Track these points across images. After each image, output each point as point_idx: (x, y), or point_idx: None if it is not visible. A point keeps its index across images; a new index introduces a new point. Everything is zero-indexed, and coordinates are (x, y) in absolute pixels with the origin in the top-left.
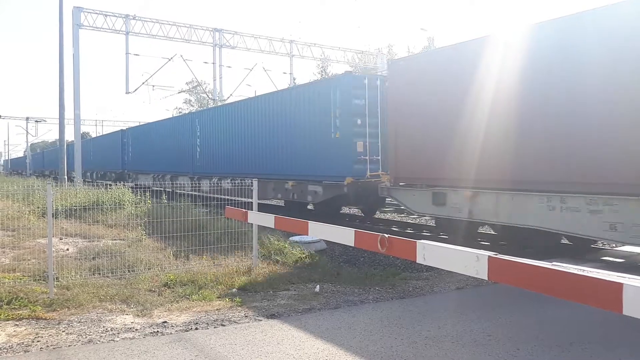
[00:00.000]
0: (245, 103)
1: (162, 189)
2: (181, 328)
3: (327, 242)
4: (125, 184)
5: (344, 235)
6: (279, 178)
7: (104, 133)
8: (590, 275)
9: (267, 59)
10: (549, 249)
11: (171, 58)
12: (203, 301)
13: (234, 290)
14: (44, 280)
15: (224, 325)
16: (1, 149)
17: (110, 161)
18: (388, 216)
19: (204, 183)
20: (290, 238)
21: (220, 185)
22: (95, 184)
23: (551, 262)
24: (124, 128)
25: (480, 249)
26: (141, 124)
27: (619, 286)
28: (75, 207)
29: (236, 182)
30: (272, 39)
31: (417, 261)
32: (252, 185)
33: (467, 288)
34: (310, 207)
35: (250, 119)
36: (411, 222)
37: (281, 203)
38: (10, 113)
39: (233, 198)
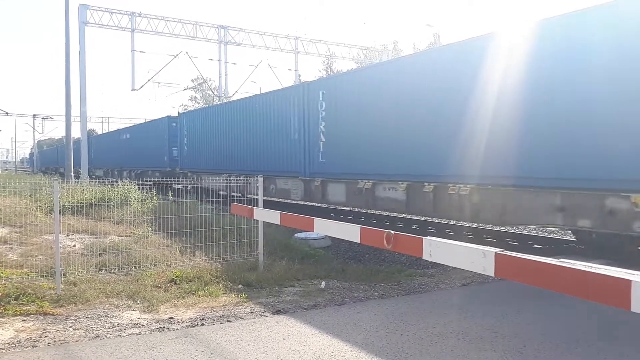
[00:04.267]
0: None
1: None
2: (187, 324)
3: (332, 238)
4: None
5: (350, 232)
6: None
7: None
8: (597, 272)
9: (272, 56)
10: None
11: (177, 55)
12: (209, 297)
13: (240, 286)
14: (51, 276)
15: (229, 321)
16: (8, 146)
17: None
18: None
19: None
20: (296, 234)
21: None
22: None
23: (558, 258)
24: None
25: (486, 245)
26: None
27: (627, 283)
28: (81, 204)
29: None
30: (278, 36)
31: (423, 257)
32: (257, 182)
33: (473, 285)
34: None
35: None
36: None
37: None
38: (17, 110)
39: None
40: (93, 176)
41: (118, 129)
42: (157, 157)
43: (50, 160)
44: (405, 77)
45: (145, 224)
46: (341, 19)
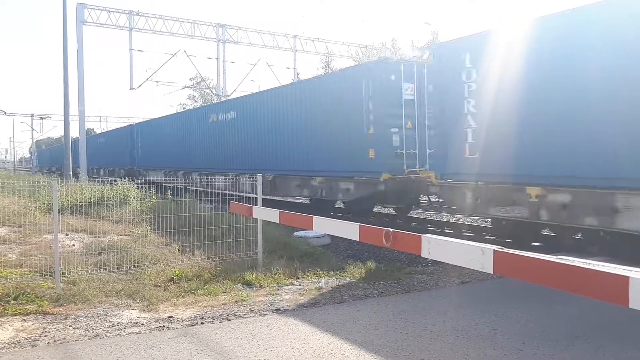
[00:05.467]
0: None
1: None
2: (187, 323)
3: (331, 236)
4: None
5: (349, 230)
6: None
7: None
8: (596, 268)
9: (270, 54)
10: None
11: (175, 54)
12: (209, 296)
13: (239, 285)
14: (50, 276)
15: (229, 320)
16: (7, 146)
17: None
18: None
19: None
20: (295, 233)
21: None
22: (101, 179)
23: (557, 255)
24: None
25: (485, 243)
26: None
27: (625, 279)
28: (80, 203)
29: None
30: (276, 34)
31: (422, 255)
32: (256, 180)
33: (472, 282)
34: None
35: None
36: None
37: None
38: (16, 110)
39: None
40: (142, 180)
41: (203, 106)
42: (350, 148)
43: (57, 159)
44: None
45: (144, 222)
46: (340, 17)
